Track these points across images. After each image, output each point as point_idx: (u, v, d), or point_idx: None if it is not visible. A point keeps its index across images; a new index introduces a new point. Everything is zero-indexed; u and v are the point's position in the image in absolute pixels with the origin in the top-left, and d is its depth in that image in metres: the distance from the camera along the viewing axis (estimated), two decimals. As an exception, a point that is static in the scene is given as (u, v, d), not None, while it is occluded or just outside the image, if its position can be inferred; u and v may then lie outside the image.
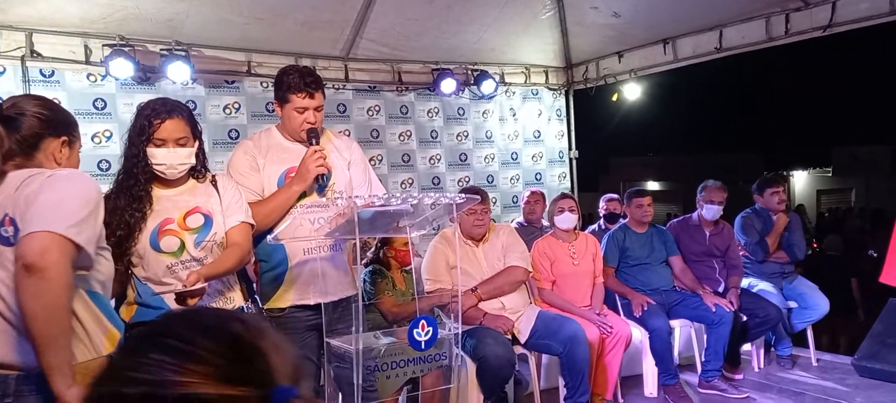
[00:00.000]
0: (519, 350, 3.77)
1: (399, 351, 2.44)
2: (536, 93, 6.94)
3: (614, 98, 6.82)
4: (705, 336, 4.36)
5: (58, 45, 4.87)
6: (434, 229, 4.41)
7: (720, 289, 4.53)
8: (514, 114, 6.82)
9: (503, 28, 6.20)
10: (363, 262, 3.90)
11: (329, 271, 2.70)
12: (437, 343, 2.44)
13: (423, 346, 2.35)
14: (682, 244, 4.61)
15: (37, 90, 4.81)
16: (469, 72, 6.46)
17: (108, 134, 5.06)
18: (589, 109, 7.35)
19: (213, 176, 2.48)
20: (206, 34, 5.31)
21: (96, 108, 5.09)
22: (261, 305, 2.74)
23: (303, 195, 2.68)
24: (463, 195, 2.53)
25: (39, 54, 4.79)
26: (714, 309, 4.21)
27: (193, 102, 5.18)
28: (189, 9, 4.98)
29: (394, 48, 6.08)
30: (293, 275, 2.69)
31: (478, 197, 2.94)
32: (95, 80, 5.06)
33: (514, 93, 6.81)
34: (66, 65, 4.94)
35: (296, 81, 2.64)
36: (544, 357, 4.14)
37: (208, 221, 2.33)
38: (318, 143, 2.66)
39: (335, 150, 2.84)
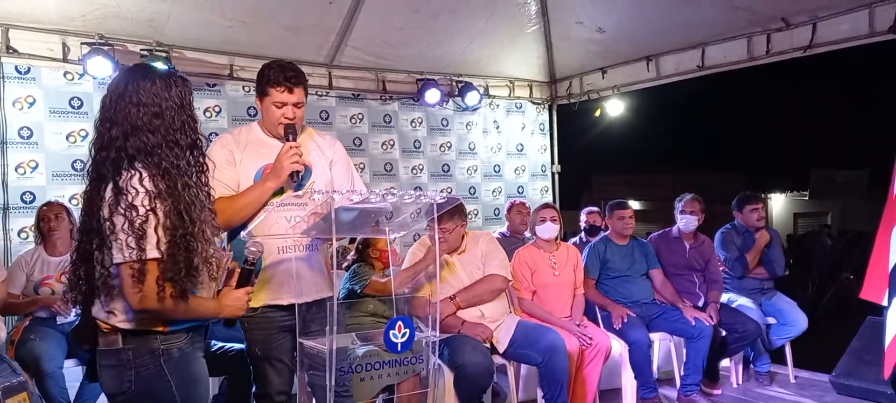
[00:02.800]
0: (498, 360, 3.70)
1: (374, 354, 2.36)
2: (520, 107, 6.94)
3: (597, 113, 6.83)
4: (685, 350, 4.33)
5: (35, 42, 4.77)
6: (414, 236, 4.37)
7: (700, 303, 4.51)
8: (497, 127, 6.81)
9: (489, 40, 6.19)
10: (344, 266, 3.83)
11: (304, 271, 2.62)
12: (414, 347, 2.38)
13: (399, 348, 2.28)
14: (662, 257, 4.60)
15: (12, 87, 4.71)
16: (453, 83, 6.44)
17: (83, 133, 4.95)
18: (572, 125, 7.36)
19: None
20: (188, 35, 5.23)
21: (72, 107, 4.98)
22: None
23: (280, 192, 2.61)
24: (444, 194, 2.48)
25: (15, 50, 4.68)
26: (694, 323, 4.18)
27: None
28: (171, 9, 4.91)
29: (379, 57, 6.05)
30: (267, 275, 2.61)
31: (457, 199, 2.88)
32: (72, 79, 4.96)
33: (498, 105, 6.80)
34: (42, 62, 4.84)
35: (275, 74, 2.58)
36: (523, 368, 4.08)
37: None
38: (295, 140, 2.59)
39: (317, 148, 2.77)
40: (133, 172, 1.87)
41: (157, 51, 5.10)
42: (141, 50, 5.09)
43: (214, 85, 5.49)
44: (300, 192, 2.62)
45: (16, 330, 3.78)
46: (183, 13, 4.96)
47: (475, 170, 6.67)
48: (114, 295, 1.90)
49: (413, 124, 6.40)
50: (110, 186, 1.87)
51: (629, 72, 6.47)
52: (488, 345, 3.60)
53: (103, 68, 4.84)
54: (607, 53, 6.38)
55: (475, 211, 6.58)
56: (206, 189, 2.04)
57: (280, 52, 5.65)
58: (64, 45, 4.87)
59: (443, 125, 6.54)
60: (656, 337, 4.35)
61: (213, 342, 3.50)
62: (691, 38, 5.92)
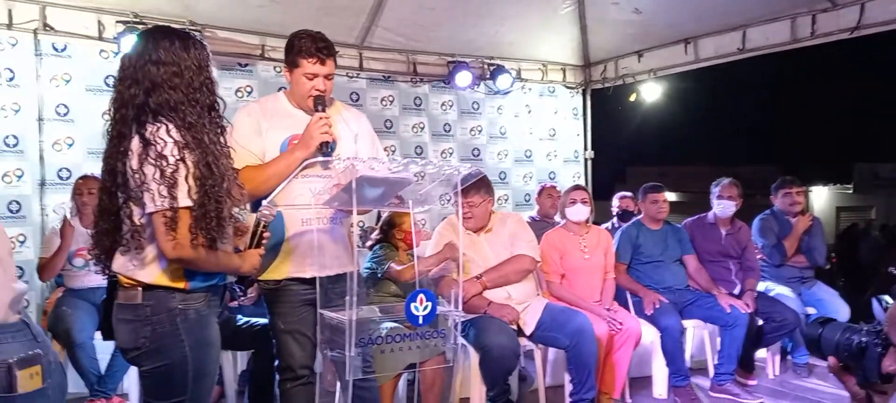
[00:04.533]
0: (524, 343, 3.63)
1: (396, 328, 2.31)
2: (553, 91, 6.81)
3: (632, 98, 6.67)
4: (719, 339, 4.19)
5: (71, 19, 4.83)
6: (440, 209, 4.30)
7: (735, 291, 4.35)
8: (529, 111, 6.70)
9: (522, 22, 6.08)
10: (368, 244, 3.79)
11: (327, 244, 2.58)
12: (438, 322, 2.32)
13: (420, 321, 2.22)
14: (696, 243, 4.45)
15: (48, 64, 4.78)
16: (485, 66, 6.35)
17: (118, 111, 4.99)
18: (606, 110, 7.21)
19: None
20: (220, 15, 5.25)
21: (107, 85, 5.01)
22: (255, 276, 2.63)
23: (306, 165, 2.58)
24: (467, 165, 2.41)
25: (52, 28, 4.75)
26: (729, 311, 4.04)
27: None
28: (204, -13, 4.93)
29: (409, 38, 5.99)
30: (290, 246, 2.58)
31: (481, 172, 2.81)
32: (108, 57, 5.01)
33: (530, 89, 6.69)
34: (78, 39, 4.90)
35: (307, 45, 2.54)
36: (550, 353, 4.00)
37: None
38: (324, 111, 2.55)
39: (343, 122, 2.73)
40: (159, 124, 1.87)
41: (190, 29, 5.12)
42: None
43: (246, 65, 5.51)
44: (326, 166, 2.58)
45: (49, 301, 3.84)
46: (214, -9, 4.98)
47: (506, 155, 6.58)
48: (144, 246, 1.90)
49: (444, 107, 6.33)
50: (136, 139, 1.87)
51: (666, 56, 6.29)
52: (515, 327, 3.53)
53: (137, 47, 4.88)
54: (644, 36, 6.21)
55: (505, 197, 6.49)
56: (227, 149, 2.03)
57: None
58: (99, 22, 4.93)
59: (473, 109, 6.46)
60: (689, 325, 4.22)
61: (239, 316, 3.52)
62: (732, 20, 5.73)
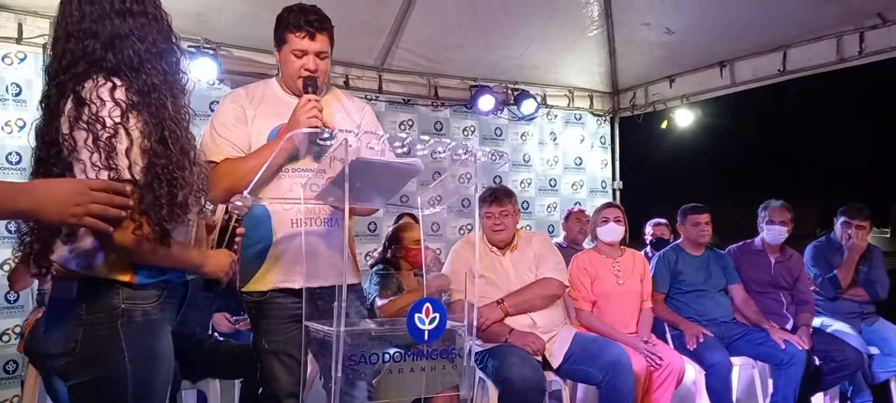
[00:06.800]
0: (551, 376, 3.12)
1: (396, 341, 1.85)
2: (580, 119, 6.38)
3: (663, 125, 6.20)
4: (771, 379, 3.62)
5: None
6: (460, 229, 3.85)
7: (788, 326, 3.79)
8: (554, 139, 6.26)
9: (547, 45, 5.70)
10: (369, 265, 3.33)
11: (321, 249, 2.14)
12: (446, 339, 1.85)
13: (426, 337, 1.76)
14: (742, 272, 3.91)
15: (57, 79, 4.51)
16: (509, 90, 5.96)
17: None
18: (636, 138, 6.73)
19: None
20: (236, 33, 4.95)
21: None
22: (238, 287, 2.20)
23: (297, 158, 2.17)
24: (487, 150, 1.97)
25: (62, 41, 4.48)
26: (783, 347, 3.48)
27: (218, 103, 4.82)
28: (219, 3, 4.65)
29: (431, 60, 5.64)
30: (278, 252, 2.15)
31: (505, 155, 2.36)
32: (121, 73, 4.72)
33: (555, 116, 6.27)
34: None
35: (295, 18, 2.16)
36: (580, 389, 3.46)
37: None
38: (315, 94, 2.15)
39: (342, 111, 2.32)
40: (102, 81, 1.46)
41: (204, 47, 4.83)
42: (188, 46, 4.83)
43: (261, 84, 5.18)
44: (318, 154, 2.17)
45: (28, 322, 3.44)
46: (232, 7, 4.69)
47: (529, 184, 6.12)
48: (78, 233, 1.48)
49: (465, 132, 5.93)
50: (71, 98, 1.47)
51: (700, 80, 5.83)
52: (540, 359, 3.02)
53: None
54: (675, 59, 5.77)
55: (528, 227, 6.01)
56: (189, 130, 1.62)
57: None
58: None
59: (496, 135, 6.04)
60: (737, 362, 3.65)
61: (217, 335, 3.08)
62: (771, 40, 5.26)
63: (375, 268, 3.20)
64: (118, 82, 1.49)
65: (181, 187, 1.51)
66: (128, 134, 1.45)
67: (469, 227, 5.59)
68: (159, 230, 1.47)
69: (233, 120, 2.18)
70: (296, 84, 2.19)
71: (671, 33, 5.41)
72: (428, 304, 1.76)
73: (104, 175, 1.42)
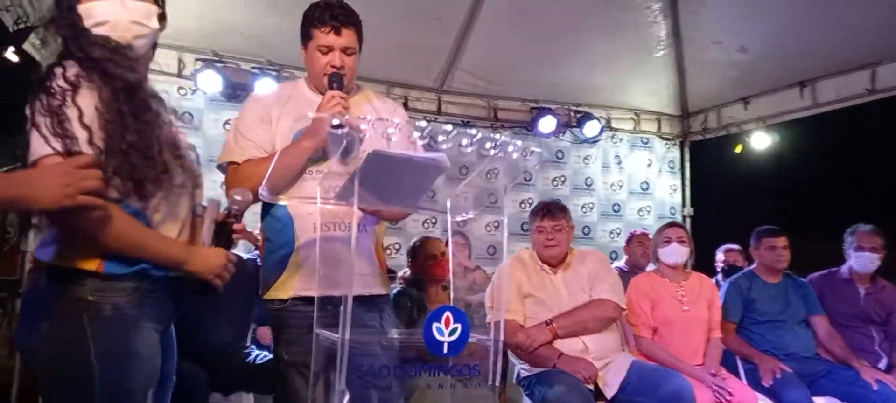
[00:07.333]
0: (604, 408, 2.83)
1: (412, 354, 1.66)
2: (647, 142, 6.06)
3: (738, 149, 5.77)
4: (862, 425, 3.17)
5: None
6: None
7: (881, 365, 3.34)
8: (619, 163, 5.96)
9: (611, 66, 5.45)
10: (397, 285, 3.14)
11: (346, 256, 1.99)
12: (469, 353, 1.64)
13: (445, 350, 1.56)
14: (827, 303, 3.49)
15: (128, 99, 4.65)
16: (571, 112, 5.74)
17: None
18: (708, 163, 6.32)
19: None
20: (296, 53, 4.95)
21: (183, 122, 4.82)
22: (260, 295, 2.08)
23: (322, 159, 2.03)
24: (519, 143, 1.78)
25: (132, 63, 4.63)
26: (876, 387, 3.03)
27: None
28: (281, 24, 4.67)
29: (490, 82, 5.50)
30: (300, 258, 2.01)
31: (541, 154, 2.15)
32: (185, 93, 4.85)
33: (620, 139, 5.97)
34: (158, 77, 4.75)
35: (320, 14, 2.05)
36: (639, 425, 3.13)
37: None
38: (340, 91, 2.02)
39: (373, 112, 2.19)
40: (63, 66, 1.41)
41: (267, 69, 4.89)
42: (252, 67, 4.90)
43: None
44: (346, 162, 2.03)
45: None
46: (290, 28, 4.71)
47: (591, 209, 5.83)
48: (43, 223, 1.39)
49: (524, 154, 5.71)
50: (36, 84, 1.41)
51: (777, 102, 5.42)
52: (591, 387, 2.74)
53: (214, 83, 4.71)
54: (751, 79, 5.39)
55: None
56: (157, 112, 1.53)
57: (389, 73, 5.29)
58: (179, 60, 4.81)
59: (557, 158, 5.81)
60: (821, 402, 3.23)
61: (253, 348, 2.97)
62: (858, 56, 4.82)
63: (398, 290, 3.00)
64: (75, 62, 1.43)
65: (138, 159, 1.40)
66: (75, 105, 1.37)
67: (496, 225, 5.30)
68: (133, 183, 1.38)
69: (256, 120, 2.08)
70: (322, 82, 2.07)
71: (744, 51, 5.06)
72: (448, 313, 1.56)
73: (60, 145, 1.34)
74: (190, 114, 4.86)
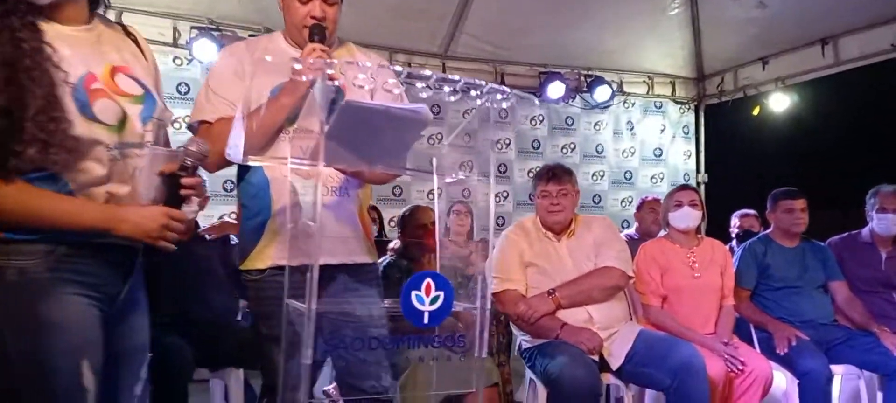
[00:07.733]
0: (610, 379, 2.70)
1: (393, 325, 1.52)
2: (660, 107, 5.84)
3: (756, 112, 5.54)
4: (881, 392, 3.01)
5: (147, 26, 4.55)
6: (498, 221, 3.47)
7: (903, 332, 3.17)
8: (631, 128, 5.76)
9: (623, 27, 5.23)
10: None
11: (327, 222, 1.86)
12: (452, 323, 1.51)
13: (425, 319, 1.43)
14: (846, 268, 3.31)
15: (124, 70, 4.54)
16: (581, 77, 5.53)
17: (188, 120, 4.67)
18: (724, 127, 6.10)
19: (125, 26, 1.76)
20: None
21: (179, 93, 4.74)
22: (237, 265, 1.96)
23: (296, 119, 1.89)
24: (521, 92, 1.62)
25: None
26: (897, 354, 2.88)
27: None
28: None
29: (497, 46, 5.31)
30: (277, 224, 1.87)
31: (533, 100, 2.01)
32: (181, 64, 4.72)
33: (633, 104, 5.76)
34: (153, 46, 4.59)
35: None
36: (648, 396, 3.00)
37: (149, 97, 1.55)
38: (322, 43, 1.87)
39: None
40: None
41: (209, 28, 4.70)
42: (249, 35, 4.74)
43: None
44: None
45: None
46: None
47: (602, 176, 5.65)
48: None
49: (533, 122, 5.54)
50: None
51: (798, 61, 5.17)
52: (596, 358, 2.61)
53: (209, 52, 4.55)
54: (769, 37, 5.15)
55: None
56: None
57: (390, 39, 5.11)
58: (174, 29, 4.68)
59: (567, 124, 5.62)
60: (839, 370, 3.05)
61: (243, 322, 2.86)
62: (882, 10, 4.56)
63: (387, 261, 2.86)
64: None
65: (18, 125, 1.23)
66: None
67: (505, 195, 5.16)
68: (36, 147, 1.22)
69: (228, 75, 1.93)
70: (301, 34, 1.92)
71: (763, 7, 4.81)
72: (429, 280, 1.42)
73: None
74: (186, 85, 4.74)
